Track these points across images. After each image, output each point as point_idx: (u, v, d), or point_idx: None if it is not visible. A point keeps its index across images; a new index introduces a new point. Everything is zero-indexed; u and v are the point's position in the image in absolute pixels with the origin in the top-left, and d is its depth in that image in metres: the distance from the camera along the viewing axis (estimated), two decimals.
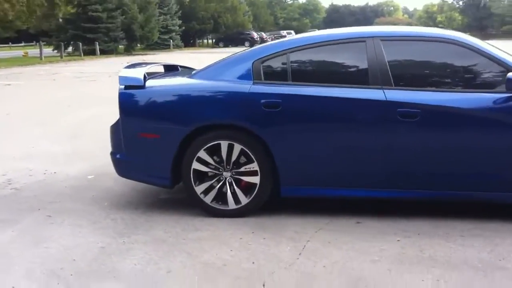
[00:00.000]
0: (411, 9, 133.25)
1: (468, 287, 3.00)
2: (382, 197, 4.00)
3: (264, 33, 59.95)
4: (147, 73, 4.39)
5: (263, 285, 3.06)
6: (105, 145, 6.88)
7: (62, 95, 12.91)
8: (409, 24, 79.21)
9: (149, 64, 4.84)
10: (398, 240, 3.62)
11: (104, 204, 4.59)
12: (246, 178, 4.10)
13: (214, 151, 4.11)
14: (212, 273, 3.24)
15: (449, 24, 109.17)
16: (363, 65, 3.99)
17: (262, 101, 3.97)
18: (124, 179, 5.00)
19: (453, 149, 3.80)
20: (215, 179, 4.14)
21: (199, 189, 4.15)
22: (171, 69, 5.11)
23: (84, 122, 8.91)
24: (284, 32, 69.83)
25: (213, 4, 53.92)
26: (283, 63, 4.11)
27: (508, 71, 3.76)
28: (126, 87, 4.25)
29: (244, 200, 4.11)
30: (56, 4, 29.04)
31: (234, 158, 4.07)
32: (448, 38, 4.02)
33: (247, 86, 4.04)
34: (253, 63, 4.13)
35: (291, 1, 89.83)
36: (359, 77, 4.04)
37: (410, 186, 3.92)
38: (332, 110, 3.94)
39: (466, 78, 4.05)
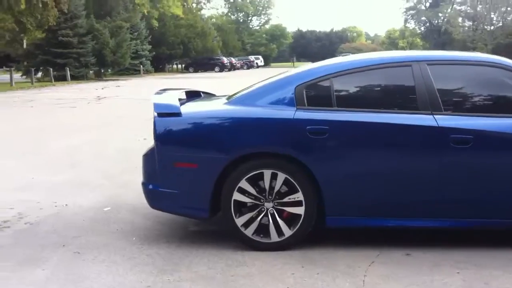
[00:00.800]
0: (372, 34, 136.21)
1: None
2: (433, 227, 3.90)
3: (233, 58, 60.18)
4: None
5: None
6: (109, 174, 6.71)
7: (44, 122, 12.50)
8: (374, 49, 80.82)
9: (179, 90, 4.68)
10: (458, 273, 3.51)
11: (132, 238, 4.35)
12: (290, 209, 3.94)
13: (255, 181, 3.94)
14: None
15: (411, 49, 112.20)
16: (411, 89, 3.91)
17: (308, 127, 3.84)
18: (143, 211, 4.82)
19: (506, 175, 3.74)
20: (256, 211, 3.97)
21: (240, 221, 3.97)
22: (193, 95, 4.94)
23: (77, 149, 8.58)
24: (252, 58, 70.46)
25: (183, 29, 54.00)
26: (326, 88, 4.00)
27: None
28: (161, 114, 4.06)
29: (287, 232, 3.94)
30: (28, 29, 28.39)
31: (277, 188, 3.92)
32: (494, 62, 4.00)
33: (291, 112, 3.91)
34: (295, 88, 4.01)
35: (258, 27, 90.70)
36: (407, 102, 3.96)
37: (462, 215, 3.83)
38: (381, 136, 3.83)
39: None
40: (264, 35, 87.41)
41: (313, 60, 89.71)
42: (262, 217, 3.97)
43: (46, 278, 3.60)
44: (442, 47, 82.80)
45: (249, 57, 70.64)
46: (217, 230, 4.47)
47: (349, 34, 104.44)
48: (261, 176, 3.92)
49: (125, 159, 7.62)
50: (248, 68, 62.63)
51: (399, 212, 3.89)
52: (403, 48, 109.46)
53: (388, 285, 3.36)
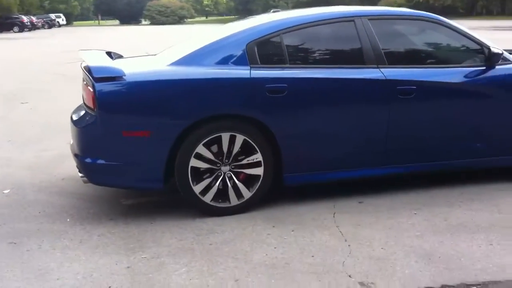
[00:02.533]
0: None
1: None
2: (385, 174, 4.14)
3: (33, 16, 55.17)
4: None
5: (350, 276, 2.96)
6: None
7: None
8: (182, 7, 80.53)
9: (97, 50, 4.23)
10: (415, 214, 3.81)
11: (66, 220, 3.88)
12: (248, 171, 3.86)
13: (211, 145, 3.77)
14: (285, 274, 3.02)
15: (215, 7, 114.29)
16: (356, 44, 4.03)
17: (267, 86, 3.76)
18: (51, 189, 4.42)
19: (445, 121, 4.11)
20: (214, 176, 3.81)
21: (198, 188, 3.78)
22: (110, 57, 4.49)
23: None
24: (53, 16, 65.38)
25: None
26: (278, 45, 3.93)
27: (482, 47, 4.20)
28: (101, 79, 3.63)
29: (247, 194, 3.87)
30: None
31: (235, 150, 3.80)
32: (429, 17, 4.31)
33: (246, 72, 3.78)
34: (246, 45, 3.87)
35: None
36: (354, 57, 4.08)
37: (408, 161, 4.14)
38: (336, 91, 3.92)
39: (451, 54, 4.39)
40: None
41: (121, 18, 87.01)
42: (220, 181, 3.83)
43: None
44: (246, 5, 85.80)
45: (50, 15, 65.49)
46: (152, 200, 4.22)
47: None
48: (218, 140, 3.76)
49: None
50: (49, 28, 58.22)
51: (354, 164, 4.06)
52: (208, 5, 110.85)
53: (365, 232, 3.52)
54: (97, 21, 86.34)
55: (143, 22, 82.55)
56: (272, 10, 4.90)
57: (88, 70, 3.71)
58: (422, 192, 4.20)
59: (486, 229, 3.51)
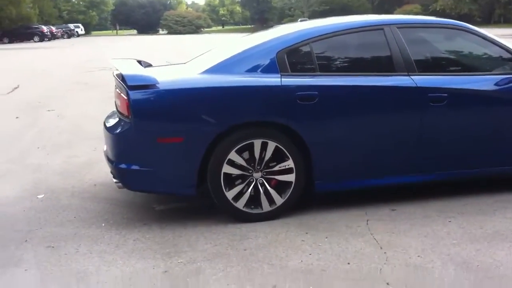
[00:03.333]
0: (189, 2, 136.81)
1: None
2: (417, 181, 4.13)
3: (52, 26, 55.94)
4: None
5: (388, 284, 2.95)
6: (16, 156, 5.91)
7: None
8: (199, 17, 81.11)
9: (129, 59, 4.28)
10: (450, 221, 3.78)
11: (101, 225, 3.93)
12: (280, 177, 3.87)
13: (244, 152, 3.80)
14: (322, 280, 3.02)
15: (231, 17, 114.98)
16: (386, 52, 4.04)
17: (297, 93, 3.78)
18: (84, 195, 4.50)
19: (477, 129, 4.10)
20: (246, 182, 3.83)
21: (230, 194, 3.81)
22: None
23: None
24: (72, 26, 66.23)
25: None
26: (307, 53, 3.96)
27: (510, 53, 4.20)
28: (135, 87, 3.68)
29: (279, 200, 3.88)
30: None
31: (268, 157, 3.82)
32: (457, 25, 4.30)
33: (277, 80, 3.81)
34: (277, 54, 3.90)
35: None
36: (384, 65, 4.09)
37: (440, 169, 4.12)
38: (367, 99, 3.93)
39: (480, 62, 4.38)
40: (82, 2, 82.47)
41: (138, 28, 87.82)
42: (252, 188, 3.85)
43: (37, 279, 3.10)
44: (262, 14, 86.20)
45: (69, 25, 66.39)
46: (185, 206, 4.25)
47: (171, 1, 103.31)
48: (250, 147, 3.78)
49: (12, 140, 6.79)
50: (69, 37, 59.00)
51: (386, 171, 4.05)
52: (224, 15, 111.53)
53: (401, 240, 3.50)
54: (115, 31, 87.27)
55: (160, 31, 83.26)
56: (300, 19, 4.92)
57: (122, 78, 3.76)
58: (454, 200, 4.18)
59: None
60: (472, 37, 4.27)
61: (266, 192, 3.86)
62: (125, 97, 3.71)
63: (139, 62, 4.58)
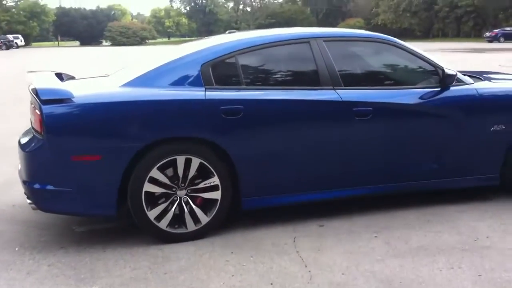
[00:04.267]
0: (134, 13, 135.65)
1: (479, 268, 3.26)
2: (341, 197, 4.08)
3: None
4: None
5: None
6: None
7: None
8: (144, 28, 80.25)
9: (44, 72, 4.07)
10: (376, 237, 3.75)
11: (15, 249, 3.68)
12: (205, 195, 3.74)
13: (166, 169, 3.65)
14: None
15: (177, 29, 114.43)
16: (312, 66, 4.00)
17: (222, 108, 3.67)
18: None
19: (402, 142, 4.10)
20: (169, 201, 3.68)
21: (153, 214, 3.64)
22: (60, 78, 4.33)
23: None
24: (11, 37, 64.09)
25: None
26: (233, 66, 3.86)
27: (437, 68, 4.22)
28: (48, 101, 3.47)
29: (204, 219, 3.75)
30: None
31: (192, 174, 3.68)
32: (383, 39, 4.30)
33: (201, 93, 3.69)
34: (201, 66, 3.78)
35: (14, 3, 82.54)
36: (309, 78, 4.04)
37: (367, 183, 4.09)
38: (293, 113, 3.86)
39: (406, 76, 4.39)
40: (22, 12, 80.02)
41: (81, 39, 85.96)
42: (176, 206, 3.70)
43: None
44: (208, 26, 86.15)
45: (7, 36, 64.22)
46: (106, 227, 4.04)
47: (115, 13, 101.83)
48: (173, 163, 3.64)
49: None
50: (7, 49, 57.05)
51: (313, 186, 3.99)
52: (169, 27, 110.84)
53: (326, 257, 3.43)
54: (56, 42, 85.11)
55: (104, 43, 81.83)
56: (228, 31, 4.83)
57: (35, 92, 3.55)
58: (381, 215, 4.16)
59: (447, 252, 3.47)
60: (399, 51, 4.29)
61: (191, 210, 3.71)
62: (38, 112, 3.50)
63: (59, 74, 4.36)
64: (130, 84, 3.75)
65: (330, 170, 3.99)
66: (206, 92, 3.70)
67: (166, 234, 3.69)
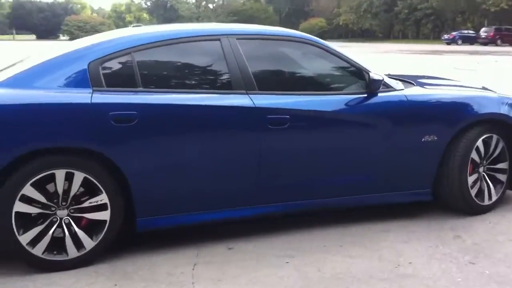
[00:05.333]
0: (96, 7, 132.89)
1: None
2: (253, 215, 3.61)
3: None
4: None
5: None
6: None
7: None
8: (102, 23, 78.45)
9: None
10: (287, 262, 3.30)
11: None
12: (91, 215, 3.22)
13: (43, 185, 3.11)
14: None
15: (138, 23, 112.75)
16: (223, 66, 3.52)
17: (112, 113, 3.16)
18: None
19: (324, 155, 3.67)
20: (47, 222, 3.15)
21: (25, 238, 3.10)
22: None
23: None
24: None
25: None
26: (128, 65, 3.35)
27: (363, 72, 3.79)
28: None
29: (89, 243, 3.22)
30: None
31: (74, 191, 3.16)
32: (304, 38, 3.85)
33: (86, 96, 3.16)
34: (88, 65, 3.25)
35: None
36: (219, 81, 3.56)
37: (283, 199, 3.64)
38: (197, 120, 3.37)
39: (330, 80, 3.96)
40: None
41: (37, 33, 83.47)
42: (55, 229, 3.16)
43: None
44: (169, 22, 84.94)
45: None
46: None
47: (73, 6, 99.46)
48: (51, 179, 3.10)
49: None
50: None
51: (222, 203, 3.51)
52: (130, 22, 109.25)
53: None
54: (11, 36, 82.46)
55: (61, 37, 79.64)
56: (133, 25, 4.26)
57: None
58: (300, 235, 3.72)
59: (362, 282, 3.05)
60: (322, 52, 3.84)
61: (73, 234, 3.18)
62: None
63: None
64: (3, 84, 3.19)
65: (240, 185, 3.52)
66: (94, 95, 3.18)
67: (43, 262, 3.15)
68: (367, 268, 3.22)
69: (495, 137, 4.10)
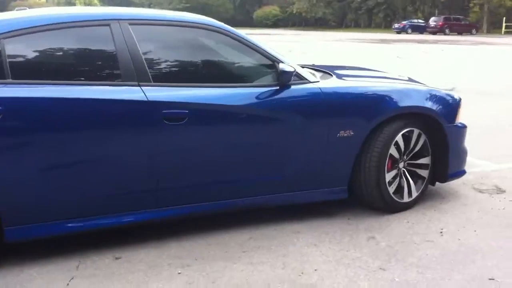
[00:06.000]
0: None
1: None
2: (148, 220, 3.25)
3: None
4: None
5: None
6: None
7: None
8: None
9: None
10: (179, 273, 2.96)
11: None
12: None
13: None
14: None
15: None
16: (112, 55, 3.14)
17: None
18: None
19: (230, 153, 3.35)
20: None
21: None
22: None
23: None
24: None
25: None
26: None
27: (274, 63, 3.48)
28: None
29: None
30: None
31: None
32: (208, 24, 3.48)
33: None
34: None
35: None
36: (108, 71, 3.17)
37: (183, 202, 3.30)
38: (77, 116, 2.97)
39: (237, 71, 3.62)
40: None
41: None
42: None
43: None
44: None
45: None
46: None
47: None
48: None
49: None
50: None
51: (109, 209, 3.13)
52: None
53: None
54: None
55: None
56: (16, 8, 3.81)
57: None
58: (200, 240, 3.38)
59: None
60: (228, 40, 3.48)
61: None
62: None
63: None
64: None
65: (133, 188, 3.15)
66: None
67: None
68: (267, 278, 2.92)
69: (416, 131, 3.87)
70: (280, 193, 3.59)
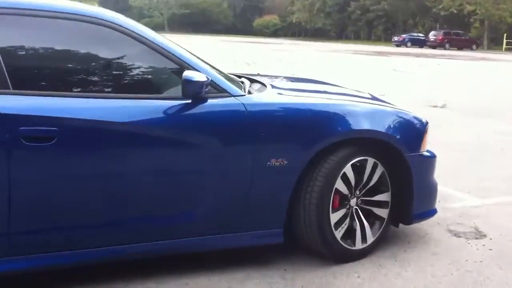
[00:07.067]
0: None
1: None
2: (14, 270, 2.44)
3: None
4: None
5: None
6: None
7: None
8: None
9: None
10: None
11: None
12: None
13: None
14: None
15: None
16: None
17: None
18: None
19: (111, 185, 2.55)
20: None
21: None
22: None
23: None
24: None
25: None
26: None
27: (183, 68, 2.69)
28: None
29: None
30: None
31: None
32: (101, 18, 2.68)
33: None
34: None
35: None
36: None
37: (47, 249, 2.50)
38: None
39: (129, 79, 2.82)
40: None
41: None
42: None
43: None
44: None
45: None
46: None
47: None
48: None
49: None
50: None
51: None
52: None
53: None
54: None
55: None
56: None
57: None
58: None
59: None
60: (124, 38, 2.69)
61: None
62: None
63: None
64: None
65: None
66: None
67: None
68: None
69: (371, 160, 3.08)
70: (190, 237, 2.78)
